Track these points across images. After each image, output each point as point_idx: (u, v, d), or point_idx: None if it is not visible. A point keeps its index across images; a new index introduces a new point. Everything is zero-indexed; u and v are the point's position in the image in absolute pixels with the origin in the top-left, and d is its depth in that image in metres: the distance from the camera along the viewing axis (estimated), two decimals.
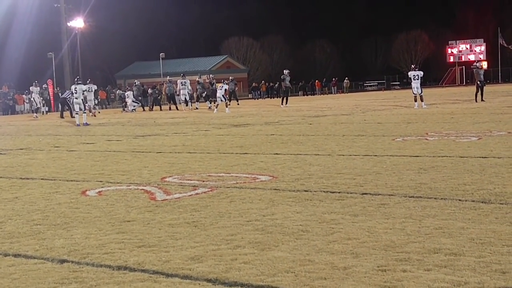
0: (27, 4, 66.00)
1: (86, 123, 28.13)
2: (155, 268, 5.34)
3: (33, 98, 44.22)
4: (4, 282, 5.12)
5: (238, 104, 46.50)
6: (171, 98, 44.34)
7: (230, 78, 49.04)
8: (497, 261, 5.12)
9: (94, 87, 39.27)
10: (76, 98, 28.37)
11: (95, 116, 38.37)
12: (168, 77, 47.24)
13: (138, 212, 7.71)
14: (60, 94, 46.61)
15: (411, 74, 30.57)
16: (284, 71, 40.61)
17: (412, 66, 32.75)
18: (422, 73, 30.43)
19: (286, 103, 38.80)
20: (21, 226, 7.25)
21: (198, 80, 44.33)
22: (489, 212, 6.91)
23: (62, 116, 38.86)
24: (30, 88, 44.81)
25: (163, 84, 49.70)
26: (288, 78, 39.89)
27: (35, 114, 42.13)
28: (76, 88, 28.35)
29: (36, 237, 6.65)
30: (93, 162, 13.39)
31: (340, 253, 5.53)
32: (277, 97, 40.48)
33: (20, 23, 67.06)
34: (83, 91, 28.78)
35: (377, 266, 5.10)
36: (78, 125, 27.85)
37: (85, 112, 29.06)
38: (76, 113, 28.83)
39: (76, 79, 30.23)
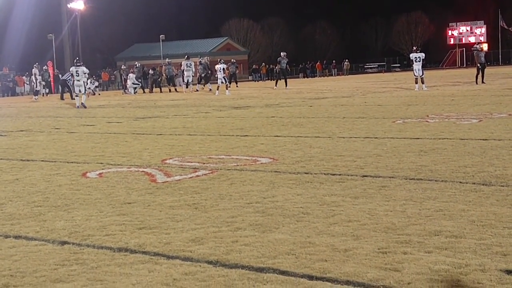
0: None
1: (83, 104, 27.79)
2: (155, 250, 5.35)
3: (34, 79, 44.02)
4: (5, 264, 5.13)
5: (237, 86, 46.41)
6: (170, 80, 44.29)
7: (232, 60, 48.88)
8: (498, 243, 5.12)
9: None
10: (78, 81, 28.10)
11: (93, 95, 38.41)
12: (167, 59, 47.10)
13: (138, 194, 7.71)
14: (60, 76, 46.55)
15: (412, 56, 30.59)
16: (281, 53, 40.79)
17: (414, 48, 32.70)
18: (423, 55, 30.40)
19: (286, 86, 38.94)
20: (22, 207, 7.25)
21: (199, 61, 44.20)
22: (489, 194, 6.91)
23: (62, 98, 38.82)
24: (33, 70, 44.59)
25: (163, 66, 49.62)
26: (284, 61, 39.94)
27: (34, 96, 41.98)
28: (77, 70, 28.07)
29: (36, 219, 6.65)
30: (94, 144, 13.38)
31: (341, 235, 5.53)
32: (279, 80, 40.68)
33: (21, 4, 66.80)
34: (84, 73, 28.50)
35: (378, 248, 5.10)
36: (78, 107, 27.75)
37: (84, 94, 28.80)
38: (76, 95, 28.70)
39: (75, 61, 29.97)
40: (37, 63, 45.70)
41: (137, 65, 47.37)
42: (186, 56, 42.99)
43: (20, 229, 6.27)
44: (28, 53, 73.62)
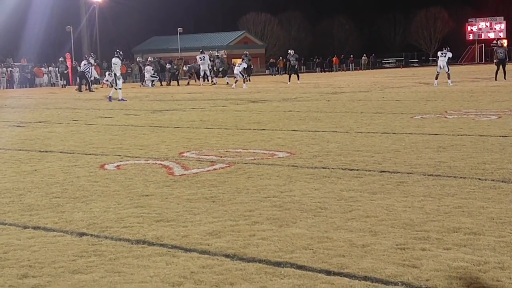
0: None
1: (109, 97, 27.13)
2: (173, 242, 5.36)
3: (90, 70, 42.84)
4: (23, 254, 5.16)
5: (249, 80, 46.22)
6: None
7: (245, 52, 48.90)
8: None
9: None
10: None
11: (110, 87, 38.33)
12: (180, 57, 47.40)
13: (156, 187, 7.73)
14: (78, 68, 46.59)
15: (439, 52, 30.87)
16: (289, 51, 41.77)
17: (443, 48, 32.55)
18: (451, 54, 30.42)
19: (298, 79, 40.17)
20: (40, 198, 7.29)
21: (217, 55, 44.30)
22: (509, 191, 6.86)
23: (80, 90, 38.90)
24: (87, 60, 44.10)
25: (181, 59, 49.74)
26: (293, 58, 40.64)
27: (113, 87, 41.49)
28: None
29: (55, 210, 6.68)
30: (112, 136, 13.42)
31: (359, 231, 5.52)
32: (291, 75, 41.18)
33: None
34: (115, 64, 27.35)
35: (396, 245, 5.08)
36: (122, 99, 26.27)
37: (112, 87, 27.19)
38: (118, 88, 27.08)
39: (116, 52, 28.50)
40: (92, 53, 45.53)
41: (154, 59, 47.40)
42: (200, 50, 43.22)
43: (39, 220, 6.31)
44: (47, 45, 73.87)
